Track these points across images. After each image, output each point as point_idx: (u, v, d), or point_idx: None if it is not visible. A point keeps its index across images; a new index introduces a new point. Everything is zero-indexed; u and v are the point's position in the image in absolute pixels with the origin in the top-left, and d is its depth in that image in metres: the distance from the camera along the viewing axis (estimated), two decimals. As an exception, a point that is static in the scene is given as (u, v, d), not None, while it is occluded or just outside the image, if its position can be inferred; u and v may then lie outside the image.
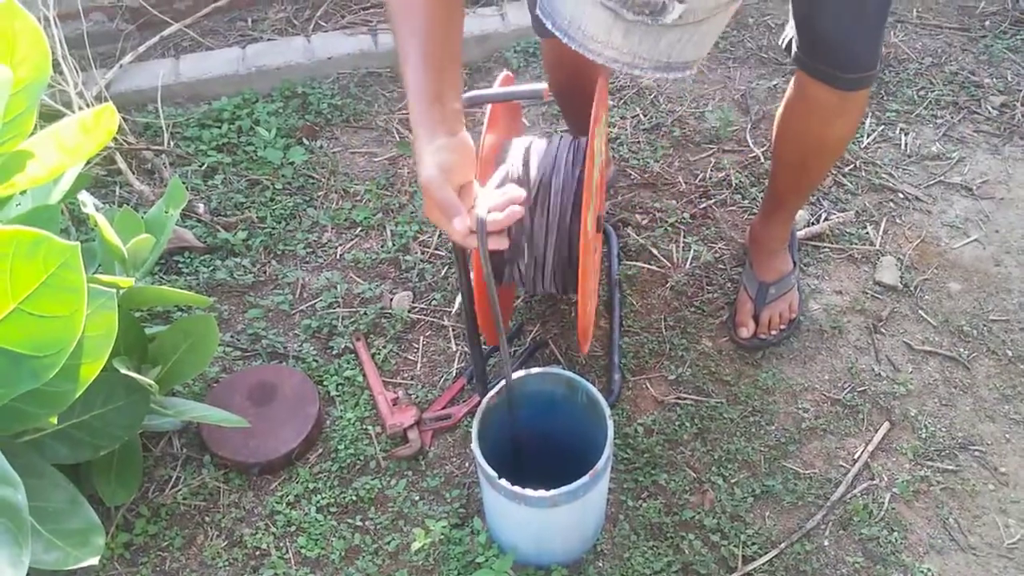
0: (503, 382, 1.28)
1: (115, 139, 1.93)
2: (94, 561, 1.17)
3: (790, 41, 1.38)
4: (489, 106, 1.40)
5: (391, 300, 1.78)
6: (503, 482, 1.20)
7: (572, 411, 1.35)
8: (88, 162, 1.90)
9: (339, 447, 1.58)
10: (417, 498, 1.52)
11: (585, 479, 1.20)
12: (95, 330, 1.09)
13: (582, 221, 1.33)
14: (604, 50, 0.87)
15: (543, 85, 1.30)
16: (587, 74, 1.40)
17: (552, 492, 1.19)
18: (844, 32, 1.28)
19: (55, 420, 1.15)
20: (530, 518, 1.27)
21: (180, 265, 1.83)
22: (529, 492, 1.19)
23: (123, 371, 1.27)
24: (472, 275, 1.53)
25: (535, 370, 1.33)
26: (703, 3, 0.83)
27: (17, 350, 0.99)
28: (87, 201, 1.32)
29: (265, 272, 1.84)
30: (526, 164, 1.41)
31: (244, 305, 1.79)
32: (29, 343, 1.00)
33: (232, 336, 1.74)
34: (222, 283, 1.81)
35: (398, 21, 1.07)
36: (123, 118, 2.04)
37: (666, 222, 1.88)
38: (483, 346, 1.56)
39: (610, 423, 1.25)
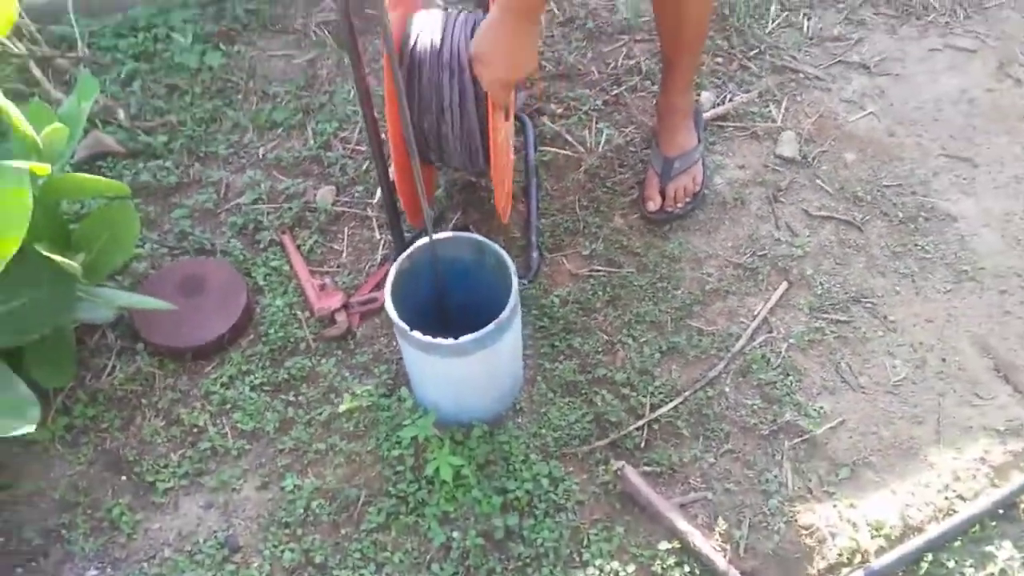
0: (418, 243, 1.36)
1: (29, 49, 1.93)
2: (30, 429, 1.23)
3: None
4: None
5: (315, 195, 1.83)
6: (415, 333, 1.28)
7: (482, 275, 1.43)
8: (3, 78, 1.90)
9: (269, 332, 1.64)
10: (347, 374, 1.60)
11: (490, 327, 1.28)
12: (8, 204, 1.13)
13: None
14: None
15: None
16: None
17: (460, 340, 1.27)
18: None
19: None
20: (445, 370, 1.35)
21: (103, 170, 1.85)
22: (439, 341, 1.28)
23: (44, 253, 1.31)
24: (391, 148, 1.57)
25: (445, 234, 1.40)
26: None
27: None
28: (-4, 91, 1.33)
29: (189, 174, 1.87)
30: (432, 33, 1.45)
31: (169, 206, 1.82)
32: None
33: (159, 235, 1.78)
34: (146, 185, 1.84)
35: None
36: (37, 29, 2.02)
37: (580, 110, 1.94)
38: (404, 226, 1.63)
39: (514, 278, 1.33)
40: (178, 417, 1.55)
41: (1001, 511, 1.40)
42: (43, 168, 1.32)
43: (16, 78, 1.96)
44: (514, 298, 1.31)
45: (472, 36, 1.46)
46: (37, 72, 1.91)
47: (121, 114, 1.91)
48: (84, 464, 1.49)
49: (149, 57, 2.04)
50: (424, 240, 1.38)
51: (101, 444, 1.52)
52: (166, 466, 1.50)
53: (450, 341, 1.27)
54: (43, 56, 1.95)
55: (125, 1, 2.13)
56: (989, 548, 1.37)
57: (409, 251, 1.37)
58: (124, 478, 1.49)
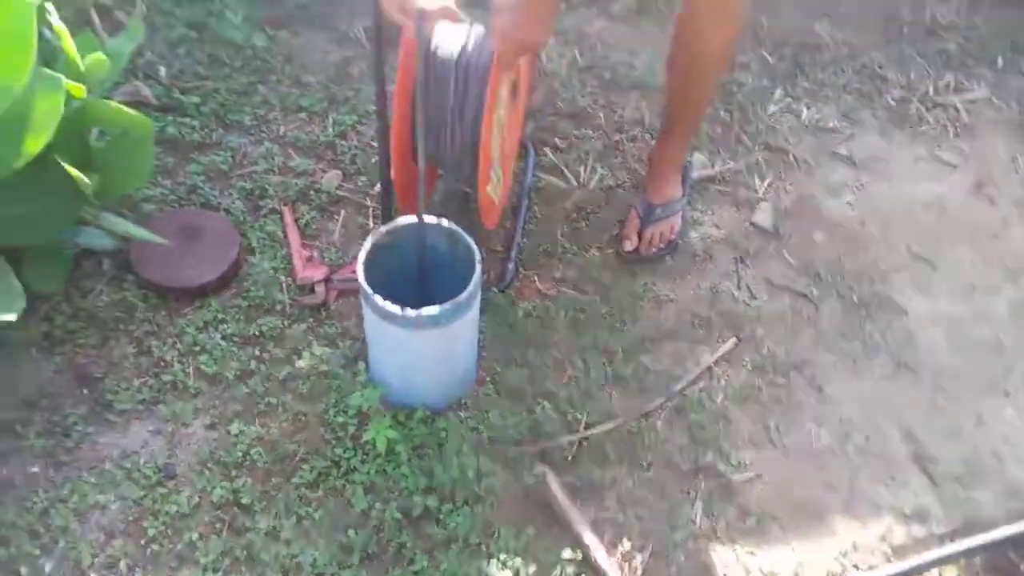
0: (399, 220, 1.47)
1: (91, -2, 2.09)
2: (11, 318, 1.34)
3: None
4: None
5: (322, 177, 1.96)
6: (376, 297, 1.39)
7: (456, 266, 1.53)
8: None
9: (251, 289, 1.75)
10: (312, 340, 1.70)
11: (447, 306, 1.39)
12: (42, 105, 1.26)
13: (490, 90, 1.51)
14: None
15: None
16: None
17: (417, 311, 1.38)
18: None
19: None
20: (399, 343, 1.45)
21: (134, 116, 1.99)
22: (396, 308, 1.38)
23: (62, 163, 1.43)
24: (392, 141, 1.69)
25: (428, 219, 1.50)
26: None
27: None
28: (52, 10, 1.47)
29: (212, 137, 2.00)
30: (449, 45, 1.58)
31: (187, 160, 1.96)
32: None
33: (172, 185, 1.91)
34: (170, 138, 1.97)
35: None
36: (100, -15, 2.19)
37: (581, 148, 2.08)
38: (393, 210, 1.75)
39: (478, 267, 1.44)
40: (149, 348, 1.65)
41: (890, 585, 1.47)
42: (79, 88, 1.44)
43: (74, 18, 2.12)
44: (475, 284, 1.41)
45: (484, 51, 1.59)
46: (94, 16, 2.07)
47: (163, 71, 2.06)
48: (53, 371, 1.60)
49: (200, 27, 2.20)
50: (406, 219, 1.49)
51: (73, 357, 1.62)
52: (127, 389, 1.60)
53: (408, 311, 1.37)
54: (102, 3, 2.10)
55: (189, -26, 2.31)
56: (871, 614, 1.44)
57: (389, 225, 1.48)
58: (86, 392, 1.58)
